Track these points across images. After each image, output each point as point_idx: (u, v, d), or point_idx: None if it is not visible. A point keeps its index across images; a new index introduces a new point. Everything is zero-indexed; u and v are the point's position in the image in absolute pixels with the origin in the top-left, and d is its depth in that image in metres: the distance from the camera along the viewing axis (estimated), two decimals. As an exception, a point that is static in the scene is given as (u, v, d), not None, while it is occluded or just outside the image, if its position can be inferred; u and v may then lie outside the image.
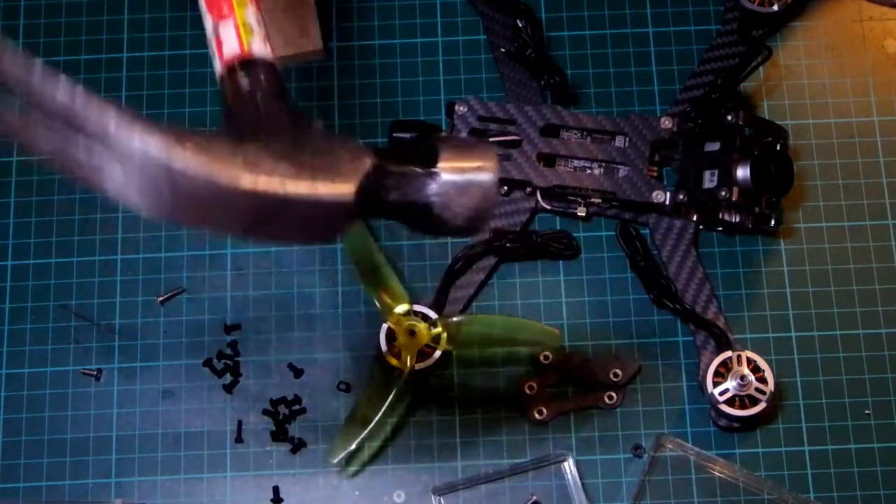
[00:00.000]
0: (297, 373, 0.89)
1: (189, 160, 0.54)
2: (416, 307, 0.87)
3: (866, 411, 0.88)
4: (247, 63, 0.62)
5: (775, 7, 0.93)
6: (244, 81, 0.61)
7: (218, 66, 0.63)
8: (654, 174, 0.91)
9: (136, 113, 0.55)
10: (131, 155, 0.53)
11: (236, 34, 0.63)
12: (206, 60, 0.97)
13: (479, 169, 0.61)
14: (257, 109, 0.60)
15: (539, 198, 0.91)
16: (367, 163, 0.59)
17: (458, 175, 0.60)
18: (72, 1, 0.99)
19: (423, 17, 0.98)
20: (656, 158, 0.91)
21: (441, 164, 0.60)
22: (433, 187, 0.60)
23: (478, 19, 0.98)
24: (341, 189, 0.57)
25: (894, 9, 0.98)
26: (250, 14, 0.64)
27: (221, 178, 0.54)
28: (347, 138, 0.61)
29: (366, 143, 0.95)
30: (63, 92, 0.53)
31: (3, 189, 0.94)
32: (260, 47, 0.63)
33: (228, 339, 0.90)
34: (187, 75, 0.97)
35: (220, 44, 0.63)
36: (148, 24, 0.98)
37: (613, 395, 0.88)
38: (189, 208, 0.55)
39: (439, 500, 0.86)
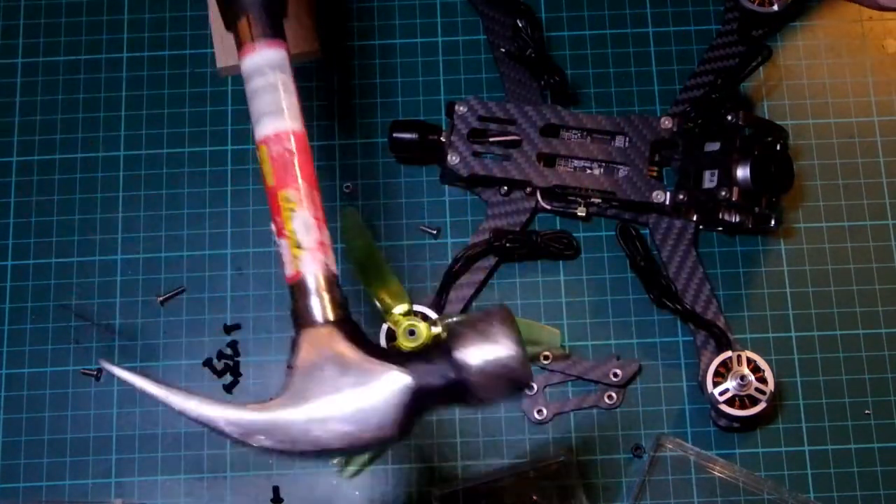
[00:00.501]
0: (297, 373, 0.89)
1: (263, 440, 0.63)
2: (416, 307, 0.86)
3: (866, 411, 0.88)
4: (299, 288, 0.66)
5: (775, 7, 0.93)
6: (299, 307, 0.66)
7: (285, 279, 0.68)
8: (654, 174, 0.91)
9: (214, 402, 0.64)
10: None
11: (290, 255, 0.67)
12: (206, 60, 0.97)
13: (500, 354, 0.63)
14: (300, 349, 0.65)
15: (539, 198, 0.91)
16: (407, 391, 0.63)
17: (483, 371, 0.63)
18: (72, 1, 0.99)
19: (423, 17, 0.98)
20: (656, 158, 0.91)
21: (469, 369, 0.63)
22: (467, 390, 0.64)
23: (478, 19, 0.98)
24: (385, 433, 0.63)
25: (880, 10, 0.98)
26: (299, 224, 0.67)
27: (287, 447, 0.63)
28: (384, 364, 0.64)
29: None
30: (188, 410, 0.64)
31: (3, 189, 0.94)
32: (309, 264, 0.66)
33: (228, 339, 0.90)
34: (187, 75, 0.97)
35: (282, 260, 0.67)
36: (148, 24, 0.98)
37: (613, 395, 0.88)
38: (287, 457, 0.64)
39: (439, 500, 0.86)
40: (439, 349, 0.65)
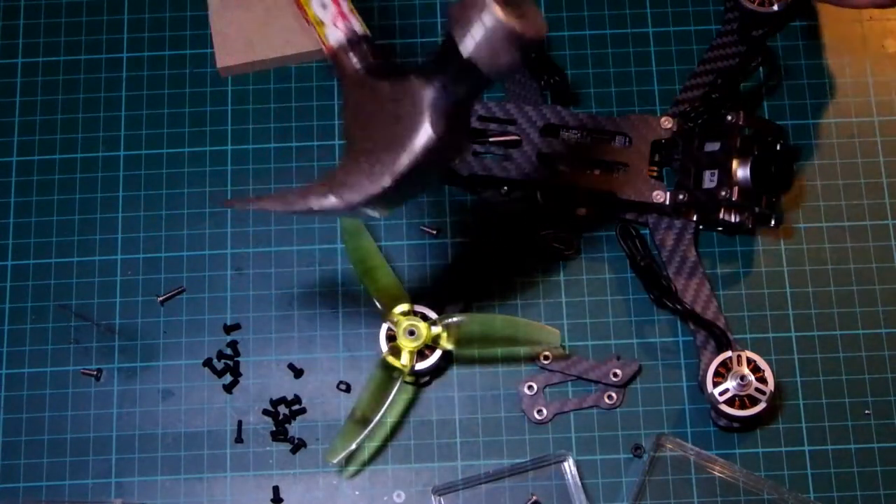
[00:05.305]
0: (297, 373, 0.89)
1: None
2: (416, 307, 0.87)
3: (866, 411, 0.88)
4: (335, 57, 0.77)
5: (775, 7, 0.93)
6: (343, 66, 0.77)
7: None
8: (654, 174, 0.91)
9: None
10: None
11: (320, 36, 0.77)
12: (206, 60, 0.97)
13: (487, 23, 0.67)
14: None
15: (539, 198, 0.91)
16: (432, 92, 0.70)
17: (483, 46, 0.67)
18: (72, 1, 0.99)
19: (423, 17, 0.98)
20: (656, 158, 0.91)
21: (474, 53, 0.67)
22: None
23: (478, 19, 0.98)
24: (427, 136, 0.70)
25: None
26: (317, 6, 0.77)
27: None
28: (408, 80, 0.71)
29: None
30: None
31: (3, 189, 0.94)
32: (335, 33, 0.77)
33: (228, 339, 0.90)
34: (187, 75, 0.97)
35: (322, 44, 0.78)
36: (148, 24, 0.98)
37: (613, 395, 0.88)
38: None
39: (439, 500, 0.86)
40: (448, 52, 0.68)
